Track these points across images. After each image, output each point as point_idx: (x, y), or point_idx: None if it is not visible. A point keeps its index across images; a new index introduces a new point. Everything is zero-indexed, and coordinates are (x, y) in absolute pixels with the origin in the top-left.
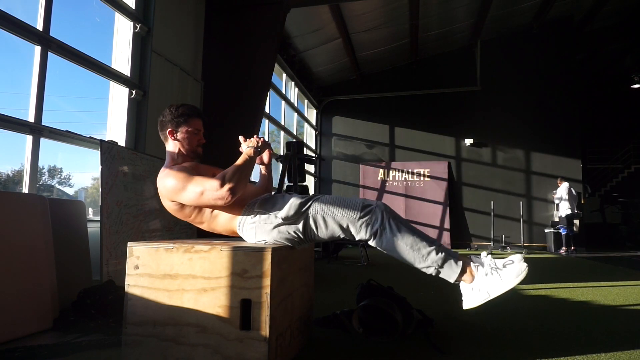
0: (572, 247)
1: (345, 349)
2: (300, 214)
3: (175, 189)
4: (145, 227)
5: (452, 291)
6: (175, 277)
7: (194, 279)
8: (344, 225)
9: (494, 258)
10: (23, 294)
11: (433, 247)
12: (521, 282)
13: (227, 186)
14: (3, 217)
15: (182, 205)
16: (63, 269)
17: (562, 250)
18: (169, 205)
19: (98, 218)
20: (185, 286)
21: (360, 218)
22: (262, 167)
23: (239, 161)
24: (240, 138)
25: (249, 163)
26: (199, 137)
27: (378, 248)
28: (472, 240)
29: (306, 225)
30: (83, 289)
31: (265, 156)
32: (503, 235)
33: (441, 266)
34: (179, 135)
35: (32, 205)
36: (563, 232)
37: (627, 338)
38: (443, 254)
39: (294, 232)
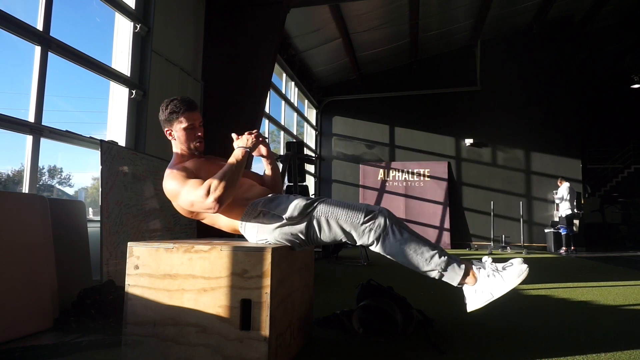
0: (572, 247)
1: (345, 349)
2: (305, 216)
3: (173, 193)
4: (145, 227)
5: (452, 291)
6: (175, 277)
7: (194, 279)
8: (347, 230)
9: (494, 262)
10: (23, 294)
11: (436, 251)
12: (522, 283)
13: (212, 197)
14: (3, 217)
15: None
16: (63, 269)
17: (562, 250)
18: (174, 204)
19: (98, 218)
20: (185, 286)
21: (363, 223)
22: (264, 161)
23: (226, 166)
24: (233, 135)
25: (237, 167)
26: (195, 131)
27: (380, 253)
28: (472, 240)
29: (309, 227)
30: (83, 289)
31: (262, 149)
32: (503, 235)
33: (444, 269)
34: (176, 134)
35: (32, 205)
36: (563, 232)
37: (627, 338)
38: (446, 257)
39: (297, 233)
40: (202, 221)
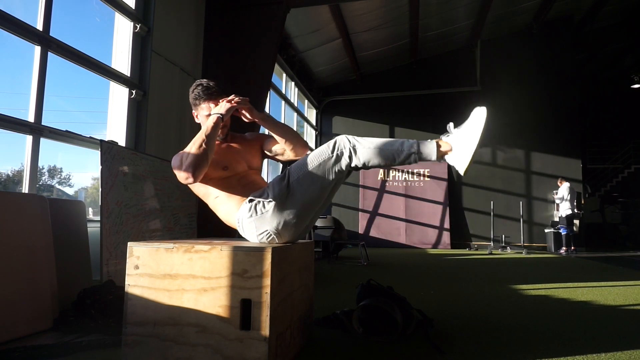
0: (572, 247)
1: (345, 349)
2: (286, 186)
3: (173, 169)
4: (145, 227)
5: (452, 291)
6: (175, 277)
7: (194, 279)
8: (326, 168)
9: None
10: (23, 294)
11: (402, 140)
12: (485, 132)
13: (184, 165)
14: (3, 217)
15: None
16: (63, 269)
17: (562, 250)
18: None
19: (98, 218)
20: (185, 286)
21: (332, 152)
22: (261, 124)
23: (197, 135)
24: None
25: (209, 133)
26: None
27: (360, 165)
28: (472, 240)
29: (296, 192)
30: (83, 289)
31: (245, 113)
32: (503, 235)
33: (418, 150)
34: (200, 118)
35: (32, 205)
36: (563, 232)
37: (627, 338)
38: (413, 140)
39: (291, 207)
40: (208, 204)
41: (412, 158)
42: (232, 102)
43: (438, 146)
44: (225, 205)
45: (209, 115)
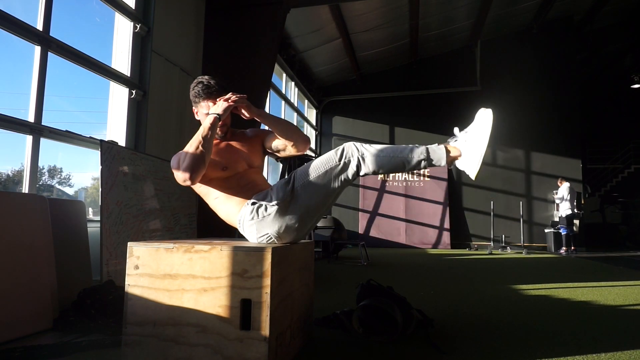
0: (572, 247)
1: (345, 349)
2: (290, 191)
3: (172, 169)
4: (145, 227)
5: (452, 291)
6: (175, 277)
7: (194, 279)
8: (332, 175)
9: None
10: (23, 294)
11: (412, 146)
12: (491, 133)
13: (182, 167)
14: (3, 217)
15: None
16: (63, 269)
17: (562, 250)
18: None
19: (98, 218)
20: (185, 286)
21: (339, 159)
22: (259, 120)
23: (195, 136)
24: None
25: (206, 134)
26: None
27: (369, 173)
28: (472, 240)
29: (300, 198)
30: (83, 289)
31: (244, 111)
32: (503, 235)
33: (428, 156)
34: (199, 116)
35: (32, 205)
36: (563, 232)
37: (627, 338)
38: (423, 146)
39: (293, 211)
40: (209, 204)
41: (422, 164)
42: (229, 100)
43: (447, 151)
44: (225, 205)
45: (208, 114)
